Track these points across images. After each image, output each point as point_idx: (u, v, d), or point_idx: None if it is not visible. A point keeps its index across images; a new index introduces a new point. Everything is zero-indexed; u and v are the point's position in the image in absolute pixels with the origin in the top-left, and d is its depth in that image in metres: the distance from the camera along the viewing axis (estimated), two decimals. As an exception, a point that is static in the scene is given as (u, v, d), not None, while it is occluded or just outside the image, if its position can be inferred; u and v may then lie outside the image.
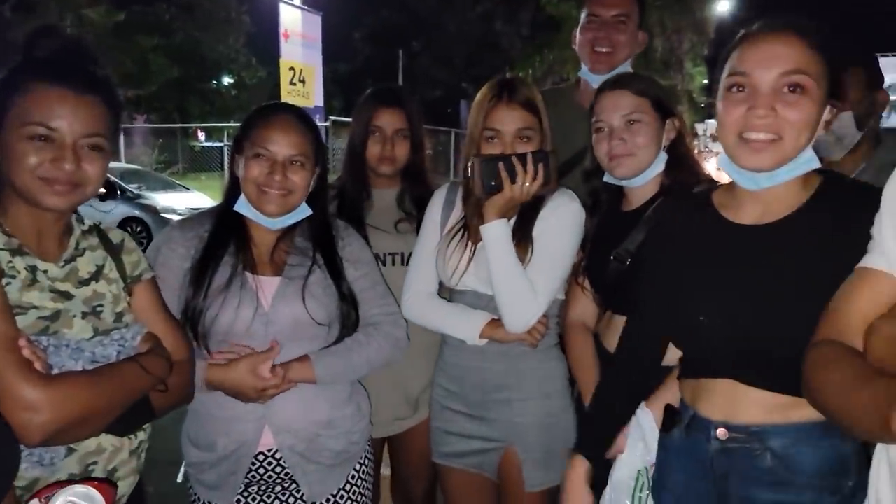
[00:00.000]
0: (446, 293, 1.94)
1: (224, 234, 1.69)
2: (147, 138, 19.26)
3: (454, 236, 1.86)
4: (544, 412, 1.84)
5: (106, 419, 1.22)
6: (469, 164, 1.76)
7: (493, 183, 1.72)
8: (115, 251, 1.40)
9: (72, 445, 1.24)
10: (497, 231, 1.74)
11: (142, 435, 1.39)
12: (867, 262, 1.06)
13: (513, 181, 1.71)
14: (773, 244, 1.24)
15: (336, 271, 1.73)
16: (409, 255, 2.04)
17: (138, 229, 10.42)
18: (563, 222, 1.81)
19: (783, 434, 1.24)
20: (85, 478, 1.26)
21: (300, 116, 1.72)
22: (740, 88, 1.22)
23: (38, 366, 1.12)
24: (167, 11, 26.70)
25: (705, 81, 21.99)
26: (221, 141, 17.72)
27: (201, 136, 25.13)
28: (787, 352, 1.16)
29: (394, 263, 2.10)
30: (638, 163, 1.73)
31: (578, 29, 2.40)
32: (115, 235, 1.43)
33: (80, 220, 1.40)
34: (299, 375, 1.63)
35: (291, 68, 11.05)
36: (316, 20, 12.00)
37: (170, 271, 1.63)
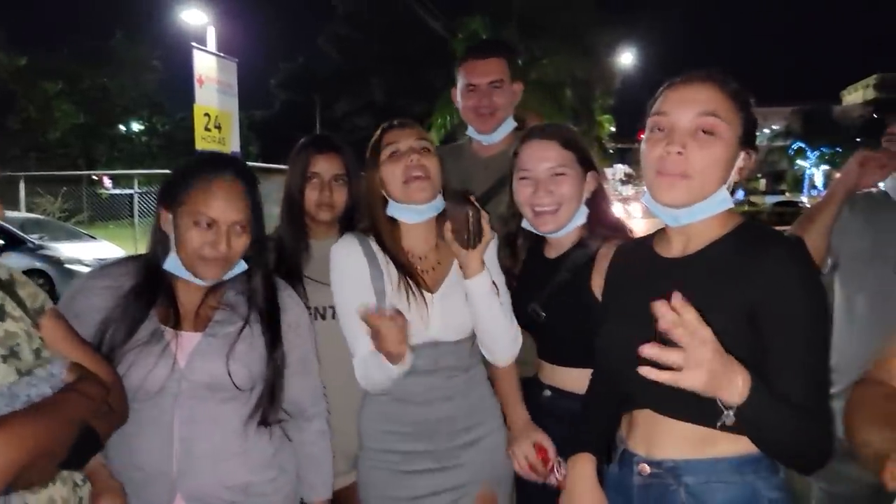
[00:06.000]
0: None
1: (148, 289, 1.60)
2: (50, 186, 18.36)
3: (407, 294, 1.77)
4: (501, 441, 1.87)
5: (58, 453, 1.20)
6: (469, 216, 1.66)
7: (478, 236, 1.68)
8: (6, 287, 1.32)
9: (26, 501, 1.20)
10: (487, 281, 1.74)
11: (82, 491, 1.35)
12: None
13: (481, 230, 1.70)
14: (684, 275, 1.31)
15: (274, 334, 1.66)
16: None
17: (41, 282, 9.84)
18: (495, 258, 1.88)
19: (697, 470, 1.28)
20: None
21: (241, 173, 1.62)
22: (661, 129, 1.31)
23: None
24: (73, 56, 25.87)
25: (612, 129, 23.06)
26: (131, 188, 17.10)
27: (108, 183, 24.19)
28: None
29: (333, 317, 2.03)
30: (563, 217, 1.78)
31: (459, 93, 2.55)
32: (1, 272, 1.34)
33: None
34: None
35: (206, 114, 10.83)
36: (232, 66, 11.86)
37: (81, 323, 1.52)
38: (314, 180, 2.10)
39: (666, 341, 1.10)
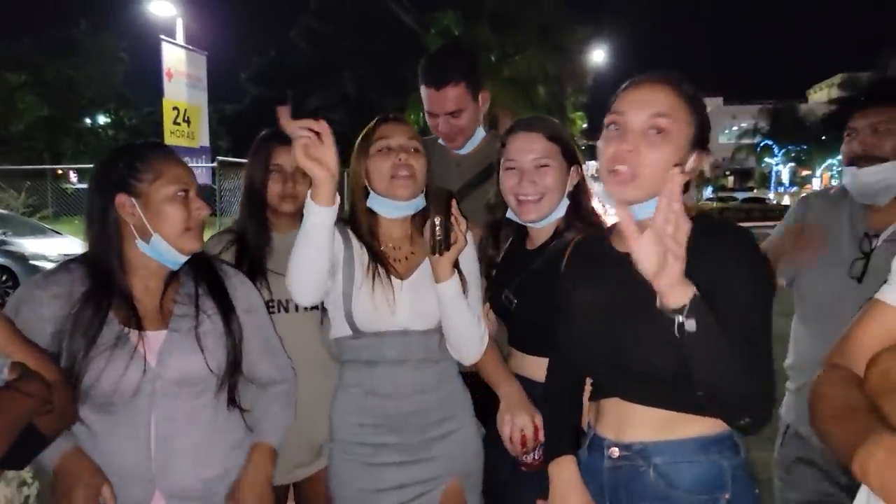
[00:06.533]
0: (356, 340, 1.84)
1: (103, 292, 1.56)
2: (13, 180, 17.94)
3: (373, 280, 1.80)
4: (473, 435, 1.89)
5: None
6: (435, 222, 1.66)
7: (450, 239, 1.69)
8: None
9: None
10: (455, 287, 1.75)
11: (30, 490, 1.34)
12: (881, 294, 1.13)
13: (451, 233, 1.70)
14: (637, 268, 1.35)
15: (229, 319, 1.66)
16: None
17: (4, 278, 9.62)
18: (472, 252, 1.90)
19: (664, 451, 1.34)
20: None
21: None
22: (616, 127, 1.35)
23: None
24: (36, 46, 25.29)
25: (585, 125, 23.26)
26: (97, 183, 16.75)
27: (74, 177, 23.73)
28: (651, 367, 1.27)
29: (297, 310, 2.05)
30: (545, 207, 1.81)
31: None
32: None
33: None
34: (270, 466, 1.71)
35: (175, 108, 10.68)
36: (201, 60, 11.71)
37: (33, 336, 1.46)
38: (277, 173, 2.08)
39: (646, 336, 1.14)
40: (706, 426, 1.32)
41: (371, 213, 1.86)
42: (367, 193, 1.85)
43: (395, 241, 1.88)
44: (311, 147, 1.55)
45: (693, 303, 1.13)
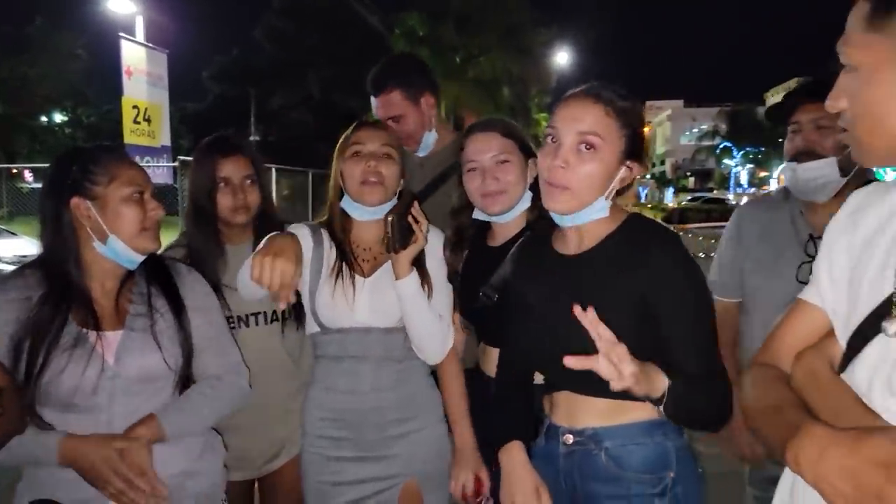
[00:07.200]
0: (325, 336, 1.88)
1: (61, 295, 1.57)
2: (-35, 180, 17.39)
3: (336, 278, 1.85)
4: (437, 436, 1.92)
5: None
6: (388, 221, 1.71)
7: (409, 238, 1.73)
8: None
9: None
10: (414, 284, 1.79)
11: None
12: (805, 294, 1.15)
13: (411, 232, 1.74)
14: (579, 272, 1.47)
15: (181, 317, 1.68)
16: (273, 311, 2.04)
17: (-46, 280, 9.32)
18: (438, 253, 1.93)
19: (614, 435, 1.46)
20: None
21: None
22: (553, 140, 1.45)
23: None
24: (-11, 42, 24.58)
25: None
26: (54, 182, 16.34)
27: (29, 177, 23.10)
28: None
29: (257, 324, 2.05)
30: (509, 199, 1.86)
31: None
32: None
33: None
34: (148, 437, 1.56)
35: (135, 106, 10.49)
36: (162, 58, 11.52)
37: None
38: (225, 185, 2.04)
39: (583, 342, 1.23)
40: (650, 411, 1.41)
41: (345, 213, 1.91)
42: (342, 195, 1.90)
43: (365, 243, 1.92)
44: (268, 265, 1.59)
45: (668, 392, 1.31)
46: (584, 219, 1.45)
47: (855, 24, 0.99)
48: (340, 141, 1.91)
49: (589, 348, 1.25)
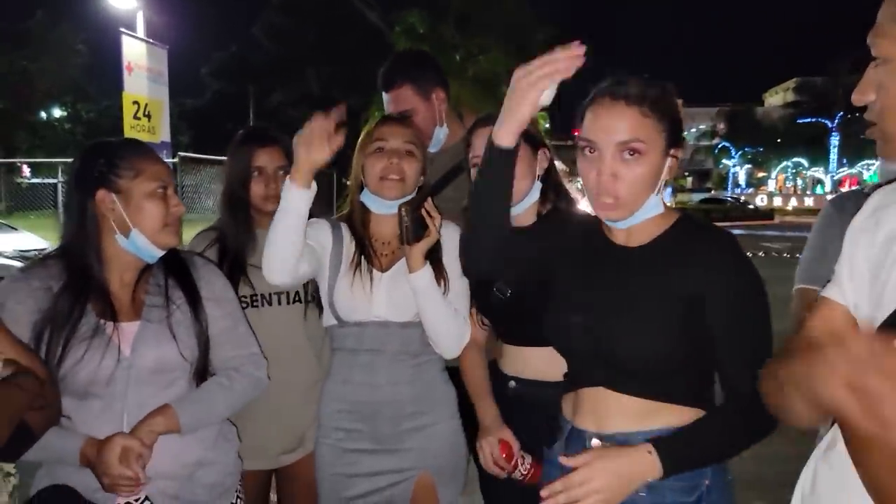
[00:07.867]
0: (342, 329, 1.90)
1: (81, 286, 1.59)
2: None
3: (354, 271, 1.86)
4: (452, 431, 1.93)
5: None
6: (401, 213, 1.73)
7: (422, 231, 1.76)
8: None
9: None
10: (427, 277, 1.80)
11: (14, 480, 1.37)
12: (827, 291, 1.10)
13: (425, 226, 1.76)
14: (633, 264, 1.40)
15: (197, 309, 1.70)
16: (296, 292, 2.08)
17: (-45, 274, 9.33)
18: (454, 248, 1.89)
19: (647, 440, 1.33)
20: None
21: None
22: (591, 150, 1.35)
23: None
24: (-11, 37, 24.55)
25: (547, 125, 23.48)
26: (52, 177, 16.38)
27: (27, 172, 23.09)
28: (640, 359, 1.32)
29: (279, 303, 2.09)
30: (517, 193, 1.81)
31: None
32: None
33: None
34: (163, 427, 1.57)
35: (135, 102, 10.50)
36: (162, 54, 11.52)
37: (20, 327, 1.50)
38: (259, 174, 2.11)
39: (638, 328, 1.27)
40: (684, 416, 1.35)
41: (365, 207, 1.93)
42: (363, 188, 1.92)
43: (383, 237, 1.94)
44: (318, 137, 1.64)
45: (663, 462, 1.29)
46: (639, 219, 1.39)
47: (887, 15, 0.97)
48: (363, 135, 1.93)
49: (628, 343, 1.27)
